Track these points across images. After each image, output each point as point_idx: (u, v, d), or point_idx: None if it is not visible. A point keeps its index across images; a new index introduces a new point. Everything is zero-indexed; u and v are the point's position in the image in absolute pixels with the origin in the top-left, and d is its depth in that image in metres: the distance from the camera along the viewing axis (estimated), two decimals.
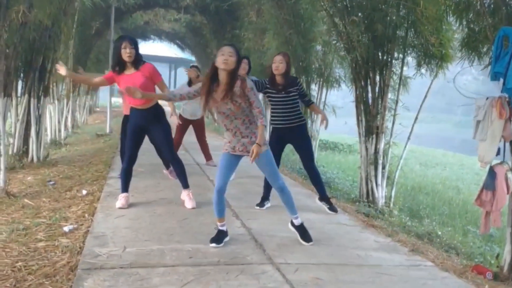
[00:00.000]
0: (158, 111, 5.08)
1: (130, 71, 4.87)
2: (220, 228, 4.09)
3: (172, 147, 5.23)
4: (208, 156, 8.13)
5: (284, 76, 5.10)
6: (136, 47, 4.84)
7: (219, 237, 4.03)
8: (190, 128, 7.84)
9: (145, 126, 5.04)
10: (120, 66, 4.84)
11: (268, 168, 4.15)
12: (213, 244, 3.94)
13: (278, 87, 5.11)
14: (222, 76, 3.86)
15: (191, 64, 8.26)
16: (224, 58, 3.78)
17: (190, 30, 21.56)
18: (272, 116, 5.27)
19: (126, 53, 4.75)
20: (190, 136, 7.99)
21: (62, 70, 4.72)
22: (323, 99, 10.03)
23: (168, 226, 4.47)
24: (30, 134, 8.04)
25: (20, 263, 3.47)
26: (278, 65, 5.04)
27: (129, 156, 5.07)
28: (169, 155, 5.20)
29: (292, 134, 5.23)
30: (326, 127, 5.34)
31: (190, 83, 7.30)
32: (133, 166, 5.15)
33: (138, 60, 4.89)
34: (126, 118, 6.14)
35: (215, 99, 3.91)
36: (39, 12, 6.63)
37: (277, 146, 4.96)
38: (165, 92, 4.86)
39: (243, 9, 13.19)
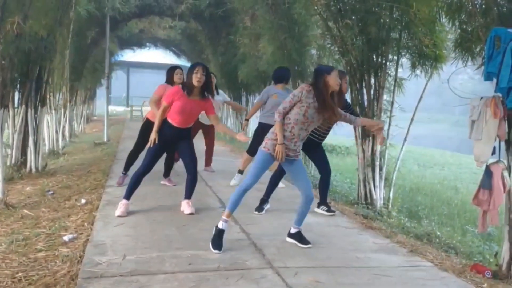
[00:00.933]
0: (189, 128, 5.23)
1: (194, 97, 4.95)
2: (222, 226, 4.07)
3: (196, 161, 5.29)
4: (208, 162, 8.11)
5: (341, 98, 5.24)
6: (207, 75, 4.93)
7: (221, 238, 4.03)
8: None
9: (175, 142, 5.20)
10: (188, 88, 4.93)
11: (303, 174, 4.27)
12: (216, 251, 3.95)
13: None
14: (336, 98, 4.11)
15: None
16: (340, 85, 4.11)
17: (185, 36, 21.59)
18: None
19: (196, 78, 4.83)
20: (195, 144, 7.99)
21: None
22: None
23: (167, 233, 4.48)
24: (28, 144, 8.04)
25: (20, 274, 3.47)
26: (343, 85, 5.01)
27: (147, 165, 5.09)
28: (192, 170, 5.24)
29: (311, 145, 5.39)
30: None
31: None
32: (145, 176, 5.17)
33: (205, 91, 5.00)
34: (148, 123, 6.17)
35: (323, 114, 4.09)
36: (35, 23, 6.66)
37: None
38: (220, 126, 5.33)
39: (238, 14, 13.24)
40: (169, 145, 5.28)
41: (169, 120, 5.05)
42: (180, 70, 6.42)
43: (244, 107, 8.24)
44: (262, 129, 6.65)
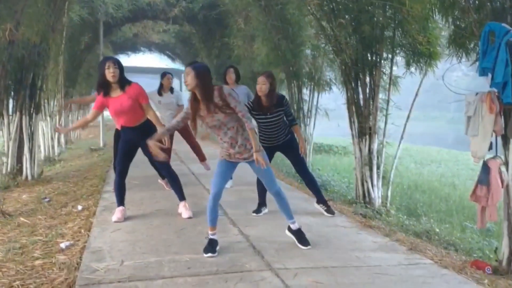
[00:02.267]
0: (148, 127, 4.95)
1: (116, 93, 4.81)
2: (211, 237, 4.07)
3: (166, 163, 5.20)
4: (201, 156, 7.94)
5: (268, 97, 5.01)
6: (120, 67, 4.77)
7: (213, 246, 4.01)
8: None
9: (137, 142, 5.00)
10: (105, 87, 4.78)
11: (265, 173, 4.16)
12: (209, 254, 3.92)
13: (263, 108, 5.05)
14: (198, 94, 3.89)
15: (164, 71, 8.09)
16: (184, 81, 3.90)
17: (179, 40, 21.57)
18: (260, 136, 5.20)
19: (110, 73, 4.69)
20: (184, 146, 7.95)
21: (62, 130, 4.78)
22: (315, 103, 10.04)
23: (165, 237, 4.45)
24: (24, 152, 8.01)
25: (17, 282, 3.44)
26: (261, 86, 4.95)
27: (120, 170, 5.07)
28: (164, 169, 5.20)
29: (280, 147, 5.29)
30: (302, 152, 5.34)
31: (160, 91, 7.24)
32: (125, 179, 5.13)
33: (123, 81, 4.83)
34: (117, 132, 6.11)
35: (202, 116, 3.96)
36: (27, 30, 6.63)
37: (268, 154, 4.90)
38: (158, 124, 4.94)
39: (231, 16, 13.22)
40: (134, 145, 5.07)
41: (118, 127, 5.03)
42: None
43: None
44: None
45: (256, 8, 9.90)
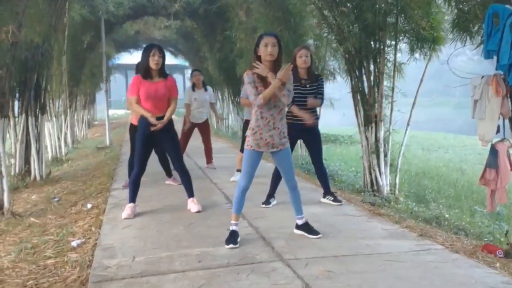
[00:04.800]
0: (169, 121, 5.10)
1: (154, 79, 4.94)
2: (234, 228, 4.09)
3: (181, 157, 5.25)
4: (209, 159, 8.21)
5: (309, 70, 5.16)
6: (163, 56, 4.91)
7: (235, 237, 4.03)
8: (195, 132, 7.94)
9: (155, 136, 5.05)
10: (146, 73, 4.90)
11: (287, 164, 4.17)
12: (231, 245, 3.93)
13: (301, 81, 5.12)
14: (268, 64, 3.91)
15: (194, 68, 8.40)
16: (268, 51, 3.84)
17: (181, 35, 21.55)
18: (289, 111, 5.21)
19: (154, 60, 4.82)
20: (192, 141, 8.02)
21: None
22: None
23: (175, 232, 4.46)
24: (31, 153, 8.05)
25: (31, 282, 3.47)
26: (305, 59, 5.07)
27: (139, 167, 5.10)
28: (178, 165, 5.21)
29: (306, 130, 5.24)
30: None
31: (194, 87, 7.69)
32: (141, 177, 5.17)
33: (163, 70, 4.98)
34: (133, 128, 6.16)
35: (266, 83, 3.90)
36: (29, 31, 6.63)
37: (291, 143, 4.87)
38: (169, 116, 5.02)
39: (232, 10, 13.18)
40: (152, 140, 5.11)
41: (135, 120, 5.01)
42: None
43: (221, 116, 8.22)
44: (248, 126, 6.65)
45: (257, 0, 9.86)
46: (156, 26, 20.22)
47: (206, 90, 7.81)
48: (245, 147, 4.10)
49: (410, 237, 4.25)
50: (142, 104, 4.98)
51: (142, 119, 5.02)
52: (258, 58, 3.95)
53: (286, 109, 4.04)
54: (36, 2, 6.73)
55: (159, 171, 6.85)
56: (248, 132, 4.09)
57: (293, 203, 4.29)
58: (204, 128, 8.04)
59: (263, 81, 3.92)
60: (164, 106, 5.03)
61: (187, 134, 7.82)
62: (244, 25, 12.25)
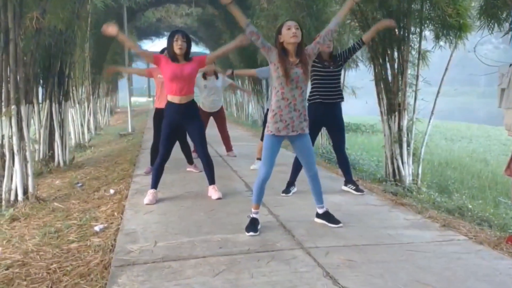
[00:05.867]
0: (194, 107, 5.14)
1: (181, 62, 4.97)
2: (254, 215, 4.09)
3: (205, 144, 5.27)
4: (229, 147, 8.20)
5: (331, 51, 5.19)
6: (188, 41, 4.94)
7: (255, 225, 4.03)
8: (212, 121, 7.92)
9: (181, 123, 5.10)
10: (172, 58, 4.94)
11: (308, 152, 4.14)
12: (251, 233, 3.93)
13: (324, 62, 5.13)
14: (291, 48, 3.89)
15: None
16: (292, 32, 3.82)
17: (202, 23, 21.53)
18: (314, 92, 5.20)
19: (177, 45, 4.86)
20: (211, 129, 8.02)
21: (112, 29, 4.79)
22: (342, 81, 9.90)
23: (196, 218, 4.49)
24: (55, 139, 8.17)
25: (54, 265, 3.53)
26: (329, 43, 5.06)
27: (164, 153, 5.14)
28: (202, 152, 5.23)
29: (331, 112, 5.22)
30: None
31: (204, 74, 7.51)
32: (165, 163, 5.21)
33: (188, 55, 5.00)
34: (158, 112, 6.22)
35: (289, 63, 3.89)
36: (53, 18, 6.68)
37: (313, 130, 4.83)
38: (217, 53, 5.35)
39: None
40: (177, 127, 5.15)
41: (170, 99, 5.04)
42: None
43: (247, 90, 8.09)
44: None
45: None
46: (177, 13, 20.27)
47: (217, 77, 7.62)
48: (265, 133, 4.07)
49: (433, 228, 4.19)
50: (166, 85, 5.03)
51: (169, 105, 5.05)
52: (280, 45, 3.90)
53: (308, 91, 4.02)
54: None
55: (181, 158, 6.89)
56: (268, 115, 4.05)
57: (313, 192, 4.26)
58: (219, 116, 7.94)
59: (283, 61, 3.88)
60: (189, 88, 5.03)
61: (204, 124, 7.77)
62: (265, 12, 12.16)
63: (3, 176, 5.46)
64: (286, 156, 8.09)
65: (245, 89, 10.96)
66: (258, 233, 3.97)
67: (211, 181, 5.32)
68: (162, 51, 6.20)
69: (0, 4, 5.33)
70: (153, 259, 3.44)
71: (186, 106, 5.04)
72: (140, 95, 36.55)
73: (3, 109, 5.43)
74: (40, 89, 8.13)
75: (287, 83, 3.88)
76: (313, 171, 4.16)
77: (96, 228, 4.33)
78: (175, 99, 4.99)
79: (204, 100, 7.65)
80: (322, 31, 4.14)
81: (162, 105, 5.80)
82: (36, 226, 4.67)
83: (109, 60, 17.94)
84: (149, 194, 5.09)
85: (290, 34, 3.82)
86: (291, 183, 5.39)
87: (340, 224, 4.15)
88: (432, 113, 7.09)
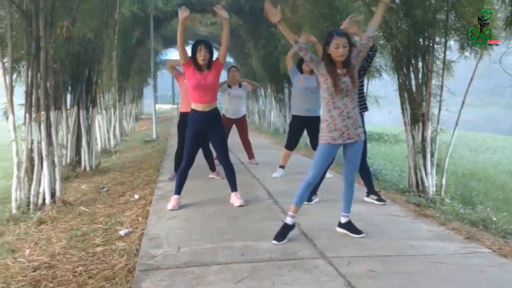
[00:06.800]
0: (217, 114, 5.26)
1: (204, 71, 5.09)
2: (288, 221, 4.10)
3: (227, 152, 5.36)
4: (250, 155, 8.27)
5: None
6: (210, 51, 5.07)
7: (284, 234, 4.06)
8: (234, 128, 8.01)
9: (205, 130, 5.20)
10: (195, 65, 5.07)
11: (357, 159, 4.17)
12: (274, 242, 3.97)
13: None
14: (339, 64, 3.96)
15: (230, 65, 8.46)
16: (340, 52, 3.87)
17: None
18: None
19: (200, 56, 4.99)
20: (233, 136, 8.09)
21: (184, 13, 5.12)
22: (364, 90, 9.85)
23: (219, 225, 4.55)
24: (82, 144, 8.33)
25: (80, 268, 3.62)
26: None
27: (188, 160, 5.23)
28: (224, 159, 5.31)
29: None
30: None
31: (229, 84, 7.86)
32: (189, 169, 5.30)
33: (211, 64, 5.13)
34: (183, 117, 6.35)
35: (337, 74, 3.95)
36: (82, 26, 6.87)
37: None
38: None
39: (278, 6, 13.17)
40: (202, 134, 5.25)
41: (194, 107, 5.14)
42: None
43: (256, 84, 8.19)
44: (297, 121, 6.67)
45: None
46: (202, 22, 20.45)
47: (240, 86, 7.90)
48: (320, 141, 4.08)
49: (456, 239, 4.16)
50: (190, 94, 5.14)
51: (193, 113, 5.14)
52: (328, 56, 3.96)
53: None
54: None
55: (204, 164, 6.97)
56: (322, 125, 4.07)
57: (345, 199, 4.25)
58: (242, 123, 8.09)
59: (332, 72, 3.93)
60: (211, 97, 5.14)
61: (226, 131, 7.88)
62: (289, 21, 12.21)
63: (32, 180, 5.61)
64: (309, 165, 8.10)
65: (253, 82, 11.05)
66: (284, 242, 3.98)
67: (233, 188, 5.38)
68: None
69: (33, 13, 5.51)
70: (176, 264, 3.50)
71: (210, 113, 5.14)
72: (165, 102, 36.94)
73: (33, 115, 5.59)
74: (68, 96, 8.32)
75: (337, 92, 3.93)
76: (353, 177, 4.21)
77: (121, 233, 4.42)
78: (199, 107, 5.09)
79: (228, 107, 7.83)
80: (360, 39, 4.15)
81: (187, 109, 5.92)
82: (62, 229, 4.79)
83: (135, 68, 18.22)
84: (173, 200, 5.18)
85: (337, 53, 3.88)
86: (313, 193, 5.40)
87: (362, 234, 4.15)
88: (456, 123, 7.00)
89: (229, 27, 5.10)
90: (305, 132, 7.23)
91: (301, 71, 6.74)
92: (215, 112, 5.21)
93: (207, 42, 5.12)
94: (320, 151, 4.07)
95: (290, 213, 4.12)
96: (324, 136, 4.03)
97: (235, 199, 5.30)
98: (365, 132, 5.32)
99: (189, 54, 5.13)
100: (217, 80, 5.19)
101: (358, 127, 4.03)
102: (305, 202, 5.29)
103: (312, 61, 4.02)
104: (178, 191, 5.26)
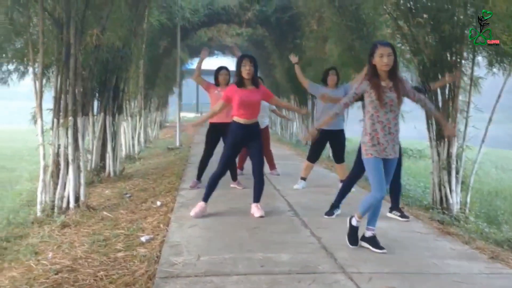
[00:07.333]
0: (257, 126, 5.37)
1: (248, 87, 5.18)
2: (355, 224, 4.23)
3: (262, 163, 5.40)
4: (272, 165, 8.24)
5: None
6: (255, 66, 5.14)
7: (355, 234, 4.24)
8: None
9: (245, 142, 5.30)
10: (239, 81, 5.16)
11: (390, 176, 4.17)
12: (353, 246, 4.21)
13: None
14: (383, 72, 3.96)
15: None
16: (384, 62, 3.89)
17: (252, 43, 21.84)
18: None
19: (245, 70, 5.08)
20: None
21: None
22: None
23: (239, 235, 4.54)
24: (107, 150, 8.46)
25: (101, 273, 3.65)
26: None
27: (222, 168, 5.30)
28: (258, 170, 5.32)
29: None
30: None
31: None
32: (221, 178, 5.34)
33: (256, 80, 5.23)
34: (212, 127, 6.45)
35: (382, 87, 3.96)
36: (111, 35, 7.00)
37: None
38: (295, 107, 5.48)
39: (304, 18, 13.23)
40: (240, 145, 5.37)
41: (236, 119, 5.22)
42: (225, 71, 6.64)
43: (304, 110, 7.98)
44: (321, 134, 6.62)
45: (330, 9, 9.84)
46: (228, 33, 20.63)
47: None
48: (364, 157, 4.06)
49: (480, 259, 4.07)
50: (236, 110, 5.22)
51: (235, 125, 5.24)
52: (373, 67, 3.96)
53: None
54: (119, 8, 7.09)
55: (226, 174, 6.98)
56: (365, 139, 4.06)
57: (372, 214, 4.21)
58: (264, 134, 7.96)
59: (376, 85, 3.95)
60: (256, 112, 5.27)
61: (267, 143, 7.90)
62: (314, 34, 12.26)
63: (57, 184, 5.72)
64: (331, 177, 8.07)
65: (285, 116, 11.01)
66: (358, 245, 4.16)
67: (257, 199, 5.37)
68: (218, 70, 6.66)
69: (64, 20, 5.66)
70: (195, 273, 3.51)
71: (251, 126, 5.26)
72: (189, 110, 37.27)
73: (61, 120, 5.71)
74: (95, 102, 8.47)
75: (381, 106, 3.94)
76: (375, 194, 4.12)
77: (143, 239, 4.46)
78: (241, 120, 5.20)
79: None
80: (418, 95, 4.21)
81: (218, 119, 6.02)
82: (85, 233, 4.85)
83: (161, 77, 18.44)
84: (197, 207, 5.21)
85: (382, 63, 3.89)
86: (335, 206, 5.36)
87: (384, 250, 4.09)
88: (483, 140, 6.89)
89: (295, 108, 5.42)
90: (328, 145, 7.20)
91: (326, 83, 6.73)
92: (255, 124, 5.33)
93: (251, 57, 5.21)
94: (370, 166, 4.03)
95: (356, 218, 4.22)
96: (368, 150, 4.01)
97: (256, 210, 5.30)
98: (400, 149, 5.26)
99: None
100: (261, 100, 5.30)
101: (396, 144, 4.03)
102: (326, 216, 5.28)
103: (356, 94, 4.06)
104: (207, 198, 5.30)
